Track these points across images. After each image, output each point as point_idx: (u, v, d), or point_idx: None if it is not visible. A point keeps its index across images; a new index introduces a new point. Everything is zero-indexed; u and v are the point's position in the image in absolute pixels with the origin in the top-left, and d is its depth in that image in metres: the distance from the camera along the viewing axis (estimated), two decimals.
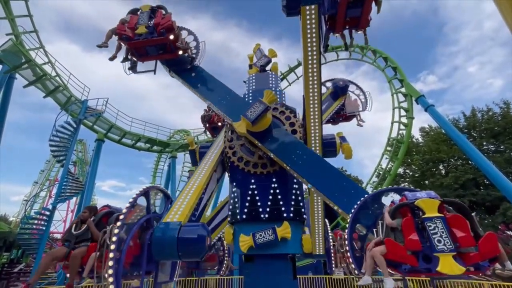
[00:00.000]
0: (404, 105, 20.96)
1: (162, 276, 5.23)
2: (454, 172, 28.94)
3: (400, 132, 21.84)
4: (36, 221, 14.65)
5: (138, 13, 6.71)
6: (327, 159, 6.51)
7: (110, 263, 3.77)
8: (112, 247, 3.88)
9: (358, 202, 4.72)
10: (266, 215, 6.10)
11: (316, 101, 6.36)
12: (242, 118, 5.79)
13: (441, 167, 32.47)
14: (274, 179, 6.43)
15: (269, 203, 6.20)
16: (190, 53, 7.31)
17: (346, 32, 6.77)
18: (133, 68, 7.17)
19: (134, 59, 7.03)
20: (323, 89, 10.51)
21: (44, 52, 16.82)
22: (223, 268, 12.19)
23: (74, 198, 23.36)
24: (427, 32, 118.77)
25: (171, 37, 6.44)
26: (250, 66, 8.69)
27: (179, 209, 4.98)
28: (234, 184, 6.88)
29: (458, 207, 4.09)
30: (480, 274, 4.15)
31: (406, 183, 34.71)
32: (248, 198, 6.35)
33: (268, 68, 8.39)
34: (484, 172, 15.42)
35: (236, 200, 6.60)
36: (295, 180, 6.64)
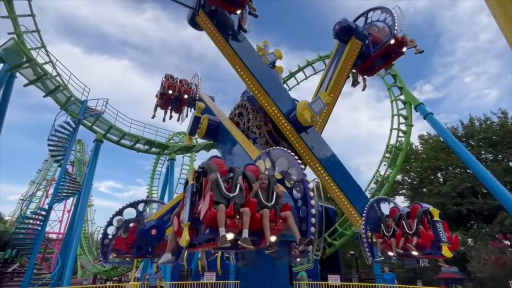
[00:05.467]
0: (403, 112, 21.04)
1: (162, 258, 7.00)
2: (452, 180, 29.00)
3: (399, 139, 21.90)
4: (31, 221, 14.55)
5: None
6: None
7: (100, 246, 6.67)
8: (100, 236, 6.83)
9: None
10: None
11: (255, 87, 6.98)
12: (189, 137, 7.63)
13: (439, 175, 32.54)
14: None
15: None
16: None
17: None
18: None
19: None
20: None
21: (45, 51, 16.85)
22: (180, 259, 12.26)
23: (71, 199, 23.22)
24: (423, 42, 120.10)
25: None
26: None
27: (157, 212, 6.90)
28: None
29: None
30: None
31: (404, 190, 34.75)
32: None
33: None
34: (482, 181, 15.45)
35: None
36: None
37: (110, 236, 6.53)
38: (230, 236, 3.06)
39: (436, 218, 5.13)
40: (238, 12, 7.18)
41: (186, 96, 8.58)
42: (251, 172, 3.80)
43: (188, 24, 7.63)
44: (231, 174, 3.56)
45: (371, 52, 7.77)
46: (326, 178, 6.39)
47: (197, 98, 8.74)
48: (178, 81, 8.78)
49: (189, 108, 9.13)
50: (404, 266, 7.75)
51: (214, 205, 3.10)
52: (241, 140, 6.51)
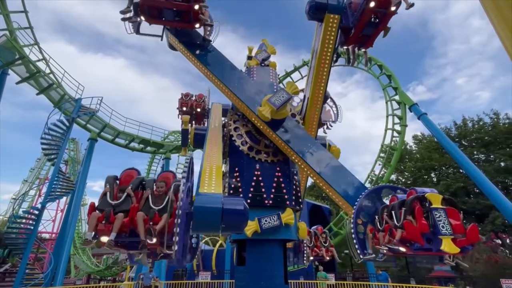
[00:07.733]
0: (398, 112, 21.22)
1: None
2: (445, 180, 29.35)
3: (394, 139, 22.08)
4: (24, 220, 14.35)
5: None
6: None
7: None
8: None
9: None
10: (270, 201, 6.32)
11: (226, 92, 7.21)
12: (183, 148, 8.12)
13: (432, 175, 32.90)
14: (278, 168, 6.78)
15: (273, 190, 6.46)
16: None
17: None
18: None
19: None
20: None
21: (38, 49, 16.60)
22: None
23: (64, 198, 22.94)
24: (416, 45, 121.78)
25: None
26: (249, 58, 8.99)
27: None
28: (237, 168, 7.00)
29: None
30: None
31: None
32: (253, 183, 6.50)
33: (266, 63, 8.76)
34: (474, 181, 15.65)
35: (238, 184, 6.73)
36: (295, 172, 7.24)
37: None
38: (104, 239, 3.54)
39: (437, 205, 4.19)
40: (197, 26, 7.53)
41: (198, 110, 9.18)
42: (164, 178, 4.26)
43: (169, 49, 8.47)
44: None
45: (349, 24, 6.76)
46: (310, 170, 6.22)
47: (205, 44, 8.54)
48: (192, 97, 9.38)
49: (175, 39, 9.01)
50: (414, 264, 7.54)
51: (94, 212, 3.67)
52: (207, 144, 6.49)
